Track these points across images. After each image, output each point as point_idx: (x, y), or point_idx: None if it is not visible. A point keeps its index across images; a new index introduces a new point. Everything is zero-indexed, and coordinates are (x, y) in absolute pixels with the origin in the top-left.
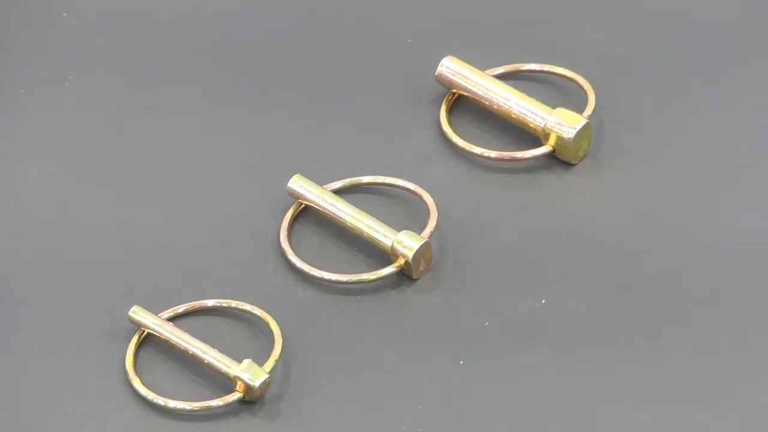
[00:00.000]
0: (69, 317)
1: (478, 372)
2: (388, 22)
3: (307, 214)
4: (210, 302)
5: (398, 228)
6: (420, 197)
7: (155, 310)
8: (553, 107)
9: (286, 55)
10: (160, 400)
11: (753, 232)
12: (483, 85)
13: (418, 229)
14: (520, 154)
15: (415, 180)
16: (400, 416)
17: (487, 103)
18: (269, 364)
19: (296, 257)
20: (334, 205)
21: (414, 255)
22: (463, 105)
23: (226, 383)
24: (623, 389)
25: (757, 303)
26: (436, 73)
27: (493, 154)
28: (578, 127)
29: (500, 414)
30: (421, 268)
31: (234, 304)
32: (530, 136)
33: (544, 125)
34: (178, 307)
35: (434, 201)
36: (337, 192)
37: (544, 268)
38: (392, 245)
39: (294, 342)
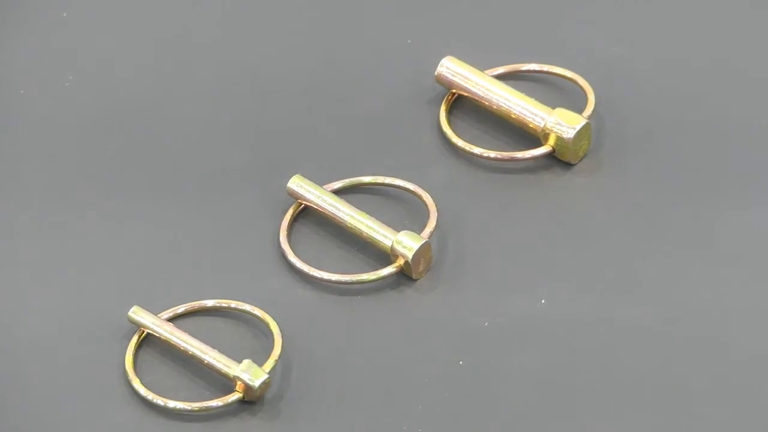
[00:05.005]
0: (69, 317)
1: (478, 372)
2: (388, 22)
3: (307, 214)
4: (210, 302)
5: (398, 228)
6: (420, 197)
7: (155, 311)
8: (553, 107)
9: (285, 55)
10: (160, 401)
11: (753, 230)
12: (483, 85)
13: (418, 229)
14: (519, 155)
15: (415, 180)
16: (400, 416)
17: (486, 103)
18: (269, 364)
19: (296, 257)
20: (333, 206)
21: (414, 255)
22: (463, 105)
23: (225, 383)
24: (622, 389)
25: (759, 304)
26: (436, 73)
27: (492, 154)
28: (578, 128)
29: (500, 414)
30: (421, 268)
31: (234, 304)
32: (530, 137)
33: (544, 125)
34: (177, 307)
35: (434, 201)
36: (337, 192)
37: (544, 268)
38: (392, 245)
39: (294, 342)
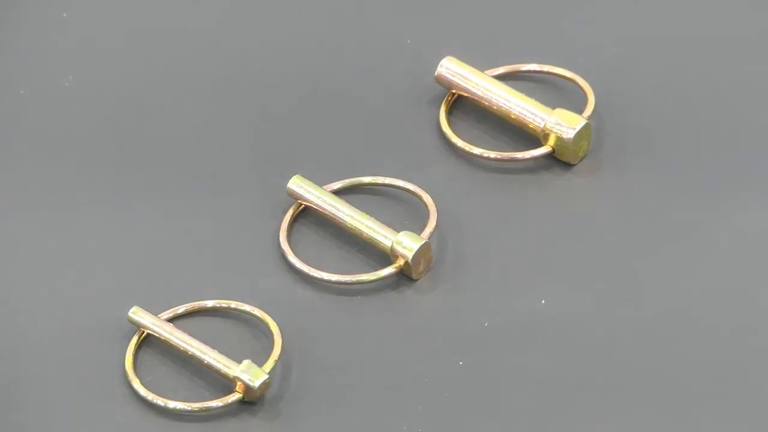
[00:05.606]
0: (69, 317)
1: (478, 372)
2: (388, 22)
3: (307, 214)
4: (210, 303)
5: (398, 228)
6: (420, 198)
7: (155, 311)
8: (553, 108)
9: (285, 55)
10: (160, 401)
11: (753, 230)
12: (482, 85)
13: (418, 229)
14: (519, 155)
15: (415, 180)
16: (400, 416)
17: (486, 103)
18: (269, 364)
19: (296, 257)
20: (333, 206)
21: (414, 255)
22: (463, 105)
23: (225, 384)
24: (622, 389)
25: (759, 304)
26: (436, 73)
27: (492, 154)
28: (578, 128)
29: (500, 414)
30: (421, 268)
31: (234, 304)
32: (530, 137)
33: (544, 126)
34: (177, 307)
35: (434, 201)
36: (337, 192)
37: (544, 268)
38: (392, 246)
39: (294, 342)
